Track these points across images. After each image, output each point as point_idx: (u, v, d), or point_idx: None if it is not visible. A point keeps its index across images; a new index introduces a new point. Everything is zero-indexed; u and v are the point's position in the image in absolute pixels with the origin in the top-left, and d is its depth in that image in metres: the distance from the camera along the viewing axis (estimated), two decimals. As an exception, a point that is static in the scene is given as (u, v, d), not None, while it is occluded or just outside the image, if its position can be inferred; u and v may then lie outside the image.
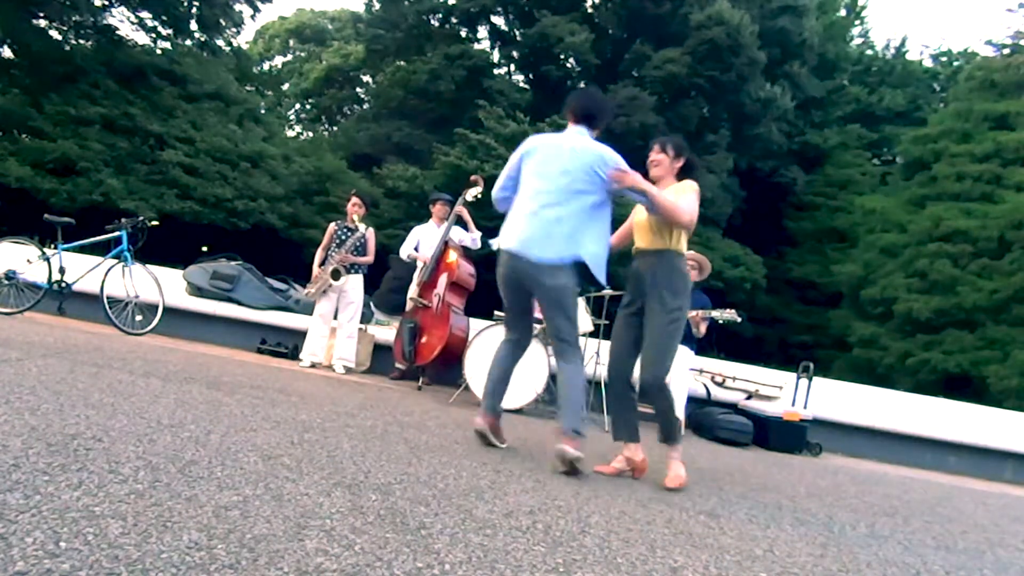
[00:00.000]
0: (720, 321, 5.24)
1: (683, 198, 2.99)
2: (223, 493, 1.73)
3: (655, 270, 3.04)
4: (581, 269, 2.93)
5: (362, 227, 5.86)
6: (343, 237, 5.86)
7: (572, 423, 2.85)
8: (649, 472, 3.16)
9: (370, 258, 5.94)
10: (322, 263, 5.85)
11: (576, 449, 2.81)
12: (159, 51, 20.72)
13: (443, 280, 5.38)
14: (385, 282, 6.40)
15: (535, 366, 4.85)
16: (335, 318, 5.82)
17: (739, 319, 5.25)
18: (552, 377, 5.32)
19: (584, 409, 2.94)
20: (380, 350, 6.16)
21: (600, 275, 2.98)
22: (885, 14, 61.49)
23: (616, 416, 3.20)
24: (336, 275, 5.69)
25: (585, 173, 2.91)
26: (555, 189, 2.92)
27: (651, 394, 3.05)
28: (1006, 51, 22.71)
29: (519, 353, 3.23)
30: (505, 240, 3.03)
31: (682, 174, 3.12)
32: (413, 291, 5.64)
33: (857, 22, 31.05)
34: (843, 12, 30.56)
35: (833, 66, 28.40)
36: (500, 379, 3.17)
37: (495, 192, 3.18)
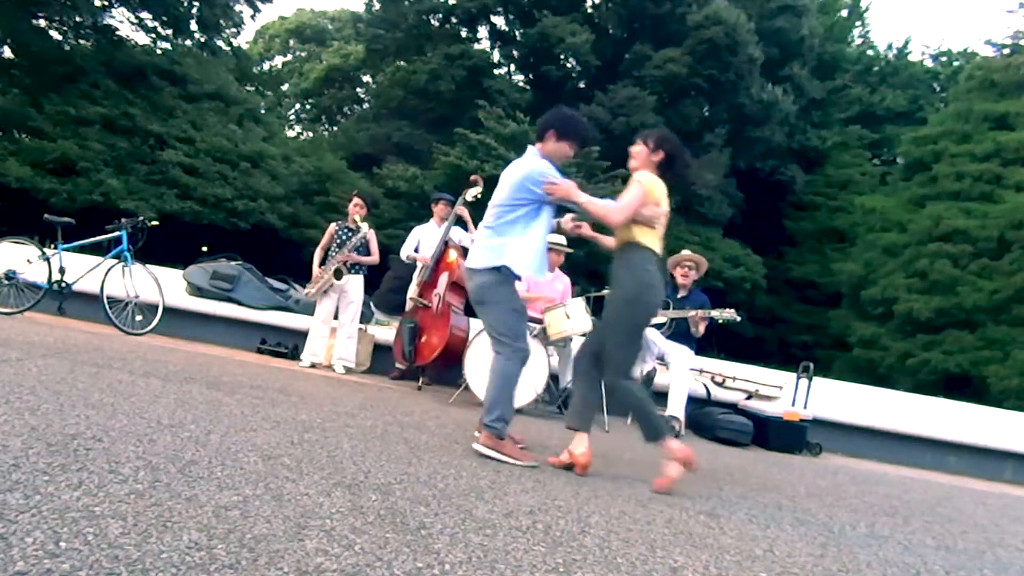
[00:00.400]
0: (719, 321, 5.24)
1: (623, 195, 3.01)
2: (223, 493, 1.73)
3: (613, 265, 3.12)
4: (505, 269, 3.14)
5: (364, 227, 5.86)
6: (344, 237, 5.86)
7: (488, 417, 2.99)
8: (649, 472, 3.15)
9: (375, 258, 5.94)
10: (322, 263, 5.85)
11: (485, 445, 2.96)
12: (159, 51, 20.71)
13: (443, 280, 5.38)
14: (385, 282, 6.40)
15: (535, 366, 4.85)
16: (335, 318, 5.82)
17: (738, 319, 5.25)
18: (553, 377, 5.33)
19: (509, 404, 3.04)
20: (380, 350, 6.15)
21: (521, 267, 3.11)
22: (885, 15, 61.51)
23: (573, 401, 3.23)
24: (339, 275, 5.69)
25: (516, 189, 3.12)
26: (494, 207, 3.20)
27: (612, 394, 3.14)
28: (1006, 51, 22.70)
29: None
30: None
31: (663, 168, 3.07)
32: (413, 291, 5.64)
33: (859, 23, 31.06)
34: (845, 13, 30.56)
35: (834, 67, 28.40)
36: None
37: None
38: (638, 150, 3.11)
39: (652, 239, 3.03)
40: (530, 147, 3.28)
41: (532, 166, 3.14)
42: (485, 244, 3.19)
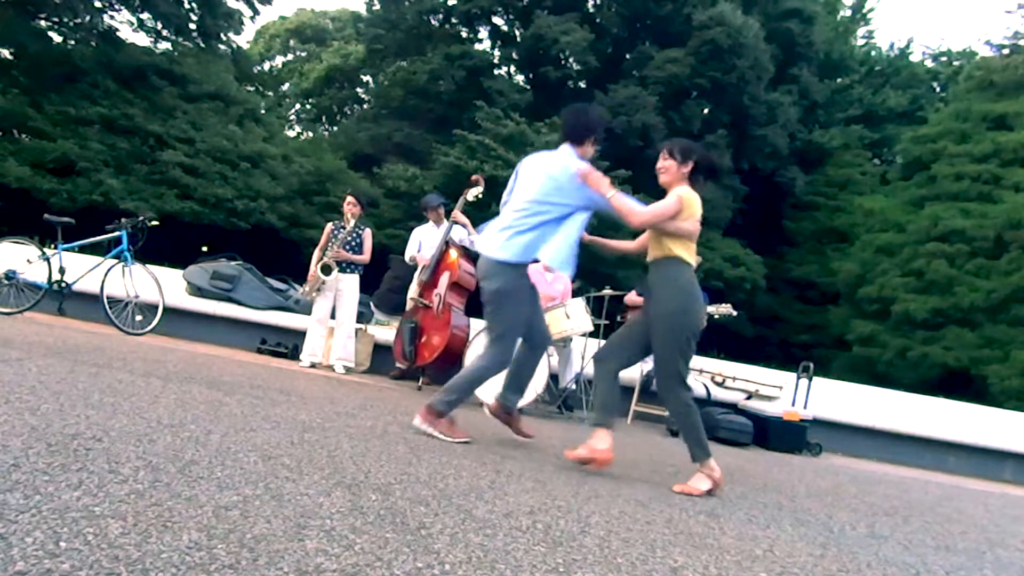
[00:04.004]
0: (716, 317, 5.26)
1: (659, 203, 3.00)
2: (223, 493, 1.73)
3: (652, 279, 3.09)
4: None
5: (351, 223, 5.87)
6: (338, 237, 5.87)
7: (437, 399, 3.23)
8: (650, 472, 3.15)
9: (365, 257, 5.93)
10: (319, 263, 5.86)
11: (424, 422, 3.20)
12: (159, 51, 20.71)
13: (444, 280, 5.38)
14: (385, 282, 6.41)
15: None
16: (332, 318, 5.82)
17: (734, 313, 5.29)
18: (553, 377, 5.33)
19: (463, 396, 3.27)
20: (380, 350, 6.15)
21: (559, 265, 3.13)
22: (887, 16, 61.60)
23: (594, 399, 3.22)
24: (326, 270, 5.69)
25: (554, 189, 3.09)
26: (525, 203, 3.15)
27: (666, 406, 3.29)
28: (1005, 51, 22.70)
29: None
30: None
31: (693, 177, 3.05)
32: (413, 291, 5.64)
33: (862, 24, 31.05)
34: (848, 13, 30.56)
35: (837, 67, 28.40)
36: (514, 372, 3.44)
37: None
38: (668, 164, 3.07)
39: (689, 253, 3.05)
40: (565, 145, 3.20)
41: (571, 163, 3.11)
42: (516, 241, 3.13)
